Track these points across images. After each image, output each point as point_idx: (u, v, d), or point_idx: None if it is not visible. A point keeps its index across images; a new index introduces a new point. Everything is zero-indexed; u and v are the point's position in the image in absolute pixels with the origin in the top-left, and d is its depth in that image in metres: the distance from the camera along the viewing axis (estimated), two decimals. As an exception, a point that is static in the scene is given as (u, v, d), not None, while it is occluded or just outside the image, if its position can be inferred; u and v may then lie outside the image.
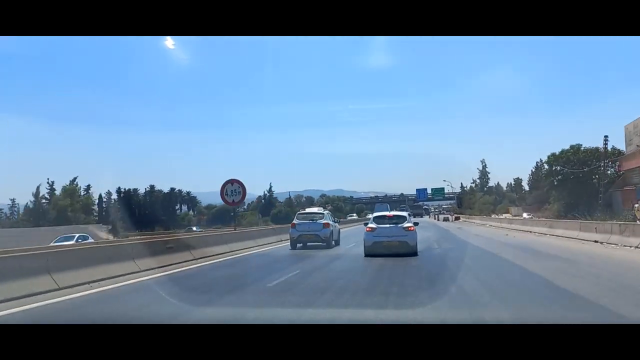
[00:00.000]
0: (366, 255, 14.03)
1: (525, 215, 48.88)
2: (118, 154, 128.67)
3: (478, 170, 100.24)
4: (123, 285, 9.38)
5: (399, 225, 14.53)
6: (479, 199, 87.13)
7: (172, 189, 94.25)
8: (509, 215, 58.58)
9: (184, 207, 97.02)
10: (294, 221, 18.42)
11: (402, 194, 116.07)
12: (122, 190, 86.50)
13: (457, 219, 63.99)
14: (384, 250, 13.89)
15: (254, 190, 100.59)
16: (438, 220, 72.10)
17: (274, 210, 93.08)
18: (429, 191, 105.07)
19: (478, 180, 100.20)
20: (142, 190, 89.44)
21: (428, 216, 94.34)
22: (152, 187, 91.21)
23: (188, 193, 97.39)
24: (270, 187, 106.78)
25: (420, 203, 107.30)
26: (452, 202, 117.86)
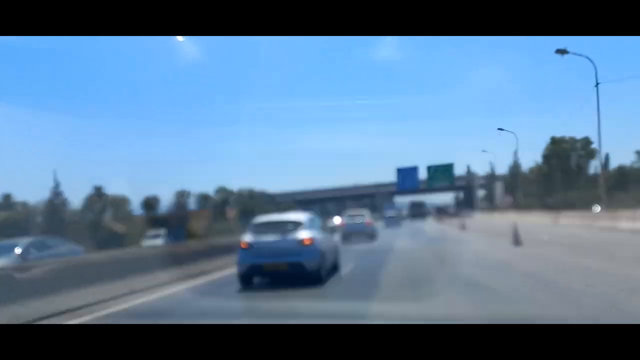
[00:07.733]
0: (243, 288, 9.23)
1: None
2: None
3: None
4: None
5: (289, 237, 9.21)
6: None
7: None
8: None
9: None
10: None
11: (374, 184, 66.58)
12: None
13: None
14: (267, 277, 9.55)
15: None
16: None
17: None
18: (423, 173, 50.64)
19: None
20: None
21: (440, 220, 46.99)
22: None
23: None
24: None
25: (420, 200, 66.06)
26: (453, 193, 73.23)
